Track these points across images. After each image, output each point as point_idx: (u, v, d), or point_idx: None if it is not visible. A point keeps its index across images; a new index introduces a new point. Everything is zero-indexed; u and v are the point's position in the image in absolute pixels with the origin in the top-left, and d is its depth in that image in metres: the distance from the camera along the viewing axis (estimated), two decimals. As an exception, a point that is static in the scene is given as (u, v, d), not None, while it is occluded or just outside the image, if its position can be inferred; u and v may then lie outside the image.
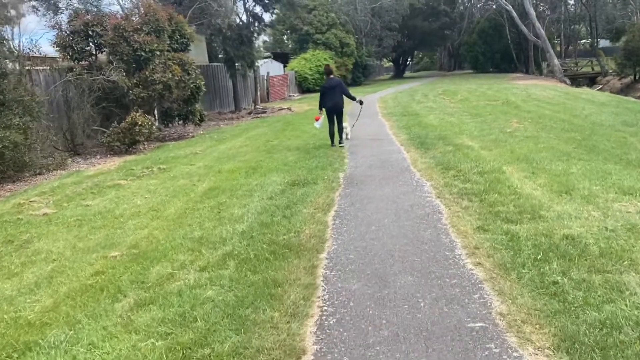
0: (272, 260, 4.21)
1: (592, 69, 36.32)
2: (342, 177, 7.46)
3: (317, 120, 10.53)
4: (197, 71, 14.26)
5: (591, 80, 35.76)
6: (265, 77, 28.04)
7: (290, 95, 31.18)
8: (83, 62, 12.95)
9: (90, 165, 10.66)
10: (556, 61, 33.74)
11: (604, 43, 63.30)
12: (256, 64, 21.82)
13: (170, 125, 15.18)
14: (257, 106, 21.76)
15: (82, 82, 11.89)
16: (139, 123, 11.72)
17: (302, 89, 33.52)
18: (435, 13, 51.17)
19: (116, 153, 11.91)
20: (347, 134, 10.65)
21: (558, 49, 45.00)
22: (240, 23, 18.99)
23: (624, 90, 27.77)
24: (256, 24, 19.39)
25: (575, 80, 34.43)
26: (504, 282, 3.58)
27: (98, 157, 11.79)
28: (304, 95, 31.47)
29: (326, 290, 3.69)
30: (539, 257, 3.91)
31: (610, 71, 34.27)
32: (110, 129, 11.92)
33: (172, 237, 5.06)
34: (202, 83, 14.29)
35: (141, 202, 6.60)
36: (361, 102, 10.90)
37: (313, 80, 33.47)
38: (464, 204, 5.53)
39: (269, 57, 34.08)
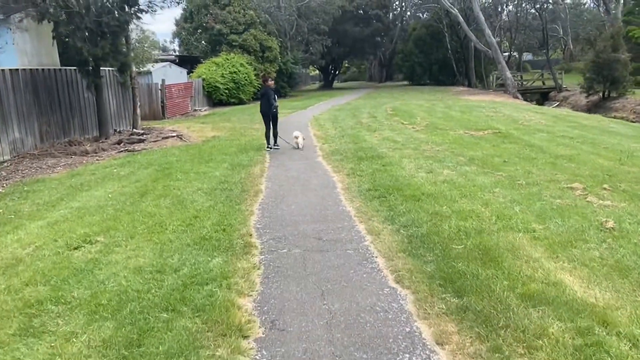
0: None
1: (543, 83, 32.62)
2: None
3: None
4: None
5: (542, 96, 32.03)
6: (160, 87, 20.92)
7: (196, 110, 24.20)
8: None
9: None
10: (509, 74, 29.55)
11: (527, 57, 61.96)
12: (134, 68, 14.81)
13: None
14: (134, 130, 14.78)
15: None
16: None
17: (213, 101, 26.56)
18: (367, 18, 46.29)
19: None
20: (297, 143, 10.83)
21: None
22: (100, 5, 12.02)
23: (592, 110, 23.79)
24: (126, 8, 12.44)
25: (524, 95, 30.45)
26: None
27: None
28: (214, 110, 24.57)
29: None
30: None
31: (565, 87, 30.62)
32: None
33: None
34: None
35: None
36: (275, 109, 11.11)
37: (226, 91, 26.60)
38: None
39: (171, 60, 26.78)
